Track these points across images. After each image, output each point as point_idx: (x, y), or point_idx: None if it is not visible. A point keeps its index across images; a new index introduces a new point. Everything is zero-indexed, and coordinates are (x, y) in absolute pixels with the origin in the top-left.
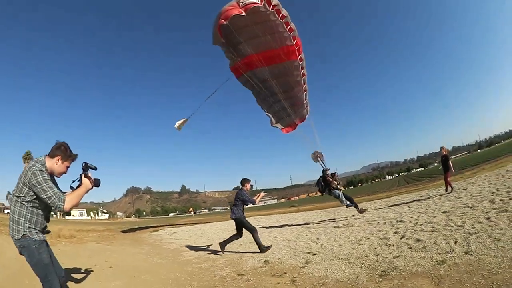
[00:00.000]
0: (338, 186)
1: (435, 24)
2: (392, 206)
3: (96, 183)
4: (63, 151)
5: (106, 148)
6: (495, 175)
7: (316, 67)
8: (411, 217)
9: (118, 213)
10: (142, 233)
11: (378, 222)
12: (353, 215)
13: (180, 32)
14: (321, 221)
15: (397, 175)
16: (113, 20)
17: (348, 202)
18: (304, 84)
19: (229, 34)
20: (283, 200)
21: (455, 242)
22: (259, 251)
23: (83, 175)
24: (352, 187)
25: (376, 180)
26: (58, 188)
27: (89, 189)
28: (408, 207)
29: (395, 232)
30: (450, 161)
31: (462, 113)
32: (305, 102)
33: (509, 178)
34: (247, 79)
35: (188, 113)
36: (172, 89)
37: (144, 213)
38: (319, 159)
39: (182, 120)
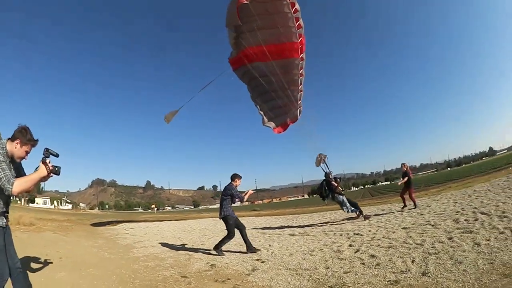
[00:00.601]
0: (342, 192)
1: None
2: (351, 217)
3: (55, 170)
4: (23, 134)
5: (74, 136)
6: (461, 194)
7: None
8: (369, 231)
9: (81, 204)
10: (100, 226)
11: (335, 233)
12: (350, 218)
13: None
14: (278, 227)
15: (362, 187)
16: None
17: (352, 208)
18: (301, 84)
19: (245, 17)
20: (247, 203)
21: (412, 261)
22: (207, 253)
23: (41, 161)
24: (316, 195)
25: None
26: (23, 172)
27: (44, 176)
28: (368, 220)
29: (350, 245)
30: (406, 178)
31: (432, 132)
32: (299, 103)
33: (476, 199)
34: (246, 71)
35: (157, 109)
36: (144, 83)
37: (107, 206)
38: (322, 162)
39: (172, 111)
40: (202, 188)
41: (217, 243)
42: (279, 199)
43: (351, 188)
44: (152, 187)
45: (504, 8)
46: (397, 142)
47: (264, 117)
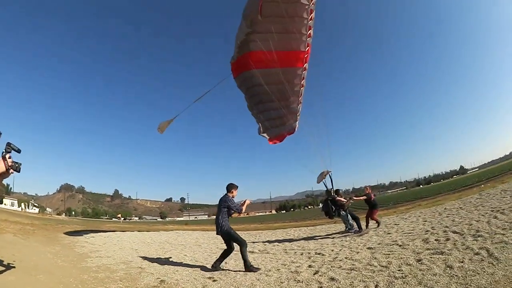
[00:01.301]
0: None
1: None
2: (315, 235)
3: (15, 167)
4: None
5: (44, 137)
6: (431, 212)
7: None
8: (332, 250)
9: (48, 209)
10: (60, 233)
11: (296, 252)
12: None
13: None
14: (259, 244)
15: None
16: None
17: (353, 228)
18: (301, 95)
19: (266, 14)
20: (214, 217)
21: (376, 286)
22: (160, 267)
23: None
24: (284, 211)
25: (309, 207)
26: None
27: (3, 172)
28: (333, 237)
29: (310, 266)
30: (364, 197)
31: (402, 151)
32: (297, 114)
33: (447, 217)
34: (246, 78)
35: (128, 116)
36: (119, 87)
37: (73, 213)
38: (325, 178)
39: (167, 121)
40: (170, 199)
41: (216, 260)
42: (247, 214)
43: (319, 205)
44: (120, 196)
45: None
46: (366, 160)
47: (261, 127)
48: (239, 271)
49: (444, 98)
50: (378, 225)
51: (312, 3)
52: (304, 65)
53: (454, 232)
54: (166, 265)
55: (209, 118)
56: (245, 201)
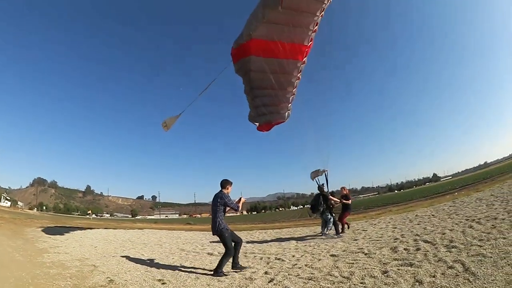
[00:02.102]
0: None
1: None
2: (280, 238)
3: None
4: None
5: (19, 131)
6: (402, 218)
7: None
8: (293, 256)
9: (20, 202)
10: (27, 227)
11: (255, 256)
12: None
13: None
14: (201, 244)
15: (302, 207)
16: None
17: (334, 233)
18: (295, 87)
19: (286, 6)
20: (185, 216)
21: None
22: (114, 266)
23: None
24: (255, 212)
25: (280, 209)
26: None
27: None
28: (297, 242)
29: (266, 273)
30: (348, 200)
31: (375, 157)
32: (289, 105)
33: (418, 224)
34: (246, 62)
35: (102, 111)
36: (95, 81)
37: (44, 208)
38: (320, 175)
39: (174, 117)
40: (141, 197)
41: (216, 266)
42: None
43: (290, 207)
44: (92, 192)
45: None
46: (338, 164)
47: (251, 113)
48: (197, 273)
49: (419, 107)
50: (342, 230)
51: (329, 2)
52: (304, 59)
53: (426, 241)
54: (120, 264)
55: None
56: (240, 199)
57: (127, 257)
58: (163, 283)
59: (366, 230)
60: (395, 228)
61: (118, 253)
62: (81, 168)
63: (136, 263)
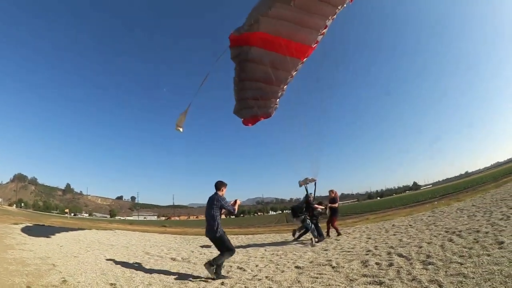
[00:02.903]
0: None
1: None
2: (249, 245)
3: None
4: None
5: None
6: (377, 228)
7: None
8: (256, 266)
9: None
10: (1, 223)
11: (224, 266)
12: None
13: None
14: (167, 249)
15: (280, 212)
16: None
17: (315, 241)
18: (287, 85)
19: (298, 5)
20: (164, 218)
21: None
22: (72, 266)
23: None
24: (233, 216)
25: (259, 214)
26: None
27: None
28: (265, 250)
29: (222, 284)
30: (336, 204)
31: (355, 164)
32: (277, 101)
33: (394, 235)
34: (243, 51)
35: (84, 107)
36: (78, 79)
37: (23, 205)
38: (308, 183)
39: (182, 115)
40: (120, 198)
41: (214, 258)
42: (196, 217)
43: (269, 212)
44: (72, 191)
45: None
46: (321, 172)
47: (237, 105)
48: (152, 279)
49: (401, 115)
50: (338, 235)
51: (342, 8)
52: (304, 60)
53: (400, 255)
54: (79, 265)
55: (160, 119)
56: (236, 201)
57: (89, 258)
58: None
59: (338, 240)
60: (370, 238)
61: (82, 253)
62: (62, 166)
63: (96, 264)
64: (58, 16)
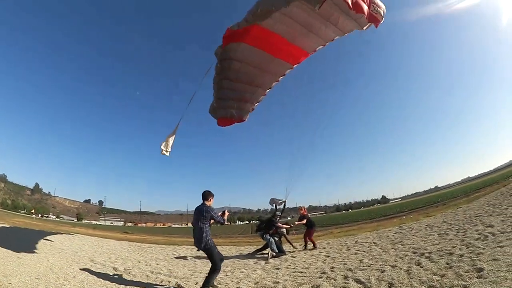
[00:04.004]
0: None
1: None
2: (200, 257)
3: None
4: None
5: None
6: (339, 244)
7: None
8: (196, 284)
9: None
10: None
11: (157, 277)
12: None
13: None
14: (115, 257)
15: (248, 222)
16: None
17: (272, 255)
18: (270, 89)
19: (322, 10)
20: (130, 224)
21: None
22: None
23: None
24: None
25: (226, 223)
26: None
27: None
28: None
29: None
30: (304, 220)
31: (323, 177)
32: (255, 104)
33: (355, 254)
34: (234, 49)
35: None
36: (56, 78)
37: None
38: (278, 204)
39: (169, 137)
40: (88, 201)
41: (203, 282)
42: (163, 225)
43: (236, 222)
44: (40, 191)
45: None
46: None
47: (214, 104)
48: None
49: (372, 130)
50: (314, 247)
51: (362, 29)
52: (295, 65)
53: (358, 281)
54: (18, 267)
55: (131, 122)
56: (224, 212)
57: (31, 261)
58: None
59: (295, 257)
60: (328, 256)
61: (27, 255)
62: (31, 164)
63: (35, 267)
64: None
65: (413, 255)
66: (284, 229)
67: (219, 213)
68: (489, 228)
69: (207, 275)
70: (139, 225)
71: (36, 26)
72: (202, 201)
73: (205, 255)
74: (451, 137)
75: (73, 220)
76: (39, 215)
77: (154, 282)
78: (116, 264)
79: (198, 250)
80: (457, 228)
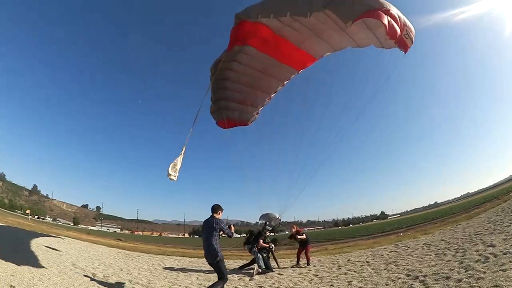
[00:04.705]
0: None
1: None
2: (184, 269)
3: None
4: None
5: None
6: (330, 262)
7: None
8: None
9: None
10: None
11: None
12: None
13: None
14: (100, 263)
15: (244, 235)
16: None
17: (260, 268)
18: (274, 93)
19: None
20: (127, 231)
21: None
22: None
23: None
24: (196, 236)
25: (223, 235)
26: None
27: None
28: (197, 277)
29: None
30: (303, 235)
31: (322, 192)
32: (259, 108)
33: (345, 274)
34: (238, 52)
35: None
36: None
37: None
38: (271, 221)
39: (176, 160)
40: (86, 206)
41: None
42: (160, 234)
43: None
44: (38, 193)
45: None
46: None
47: (213, 106)
48: None
49: (370, 145)
50: (308, 263)
51: (380, 47)
52: (300, 71)
53: None
54: None
55: (133, 129)
56: (231, 226)
57: (8, 259)
58: None
59: (282, 274)
60: (317, 275)
61: (8, 254)
62: (30, 164)
63: (9, 266)
64: None
65: (407, 278)
66: (273, 246)
67: (227, 227)
68: (490, 248)
69: (213, 283)
70: (136, 233)
71: (38, 23)
72: (211, 214)
73: (209, 268)
74: (451, 152)
75: (69, 224)
76: (36, 217)
77: None
78: (96, 271)
79: (209, 263)
80: (455, 247)
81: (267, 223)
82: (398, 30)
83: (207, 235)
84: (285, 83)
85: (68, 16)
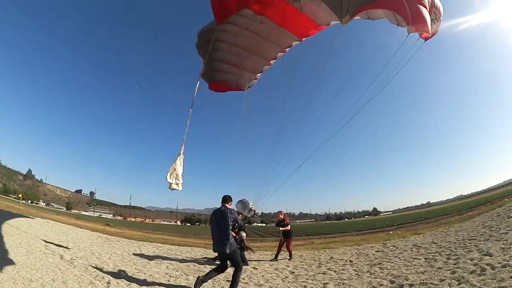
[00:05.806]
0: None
1: None
2: (163, 256)
3: None
4: None
5: None
6: (312, 259)
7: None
8: (128, 285)
9: None
10: None
11: (97, 276)
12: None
13: None
14: (74, 246)
15: None
16: None
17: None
18: (274, 60)
19: None
20: (120, 217)
21: None
22: None
23: None
24: (189, 224)
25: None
26: None
27: None
28: (167, 266)
29: None
30: (288, 227)
31: (315, 186)
32: (258, 75)
33: (324, 274)
34: (239, 16)
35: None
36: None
37: None
38: (247, 213)
39: (178, 171)
40: (79, 191)
41: (230, 285)
42: (152, 221)
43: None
44: (32, 177)
45: None
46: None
47: (206, 66)
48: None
49: (367, 143)
50: (290, 258)
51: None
52: (303, 39)
53: None
54: None
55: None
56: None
57: None
58: None
59: (256, 269)
60: (293, 273)
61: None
62: (25, 149)
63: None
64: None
65: (390, 285)
66: (244, 235)
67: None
68: (487, 257)
69: (232, 277)
70: (128, 219)
71: (32, 16)
72: (222, 204)
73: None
74: (446, 154)
75: (62, 209)
76: (29, 201)
77: (86, 275)
78: (66, 253)
79: (224, 255)
80: (447, 252)
81: (241, 213)
82: (428, 17)
83: (221, 225)
84: (286, 49)
85: None
